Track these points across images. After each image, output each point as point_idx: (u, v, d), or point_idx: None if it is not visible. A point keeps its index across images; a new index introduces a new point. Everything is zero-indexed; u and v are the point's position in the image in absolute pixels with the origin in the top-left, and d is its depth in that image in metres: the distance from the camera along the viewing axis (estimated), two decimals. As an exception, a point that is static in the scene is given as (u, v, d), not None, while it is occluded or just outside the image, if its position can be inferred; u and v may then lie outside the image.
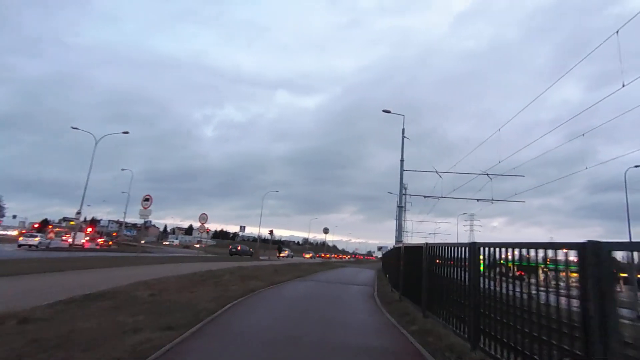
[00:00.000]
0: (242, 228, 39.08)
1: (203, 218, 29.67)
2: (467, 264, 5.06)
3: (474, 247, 4.96)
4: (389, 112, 26.73)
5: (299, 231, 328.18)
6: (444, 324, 5.71)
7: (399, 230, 25.35)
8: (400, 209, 25.31)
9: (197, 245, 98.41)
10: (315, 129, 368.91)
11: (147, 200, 23.44)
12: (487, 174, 24.96)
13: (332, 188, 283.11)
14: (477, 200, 25.30)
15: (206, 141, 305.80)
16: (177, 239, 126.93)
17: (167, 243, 73.57)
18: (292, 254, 61.99)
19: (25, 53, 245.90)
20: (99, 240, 62.98)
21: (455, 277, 5.58)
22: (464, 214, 59.49)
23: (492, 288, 4.48)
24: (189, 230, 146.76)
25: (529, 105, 23.73)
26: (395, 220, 59.67)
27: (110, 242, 64.38)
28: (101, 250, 37.63)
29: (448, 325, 5.52)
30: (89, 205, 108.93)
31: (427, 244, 7.20)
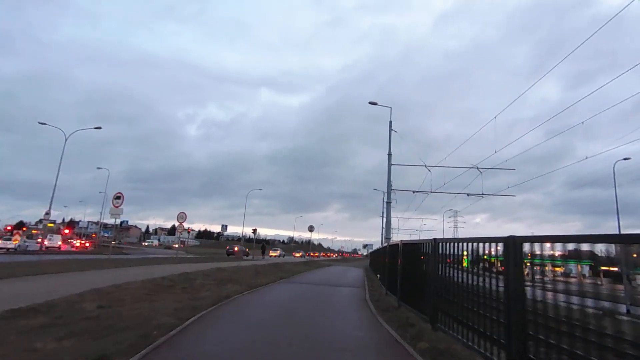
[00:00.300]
0: (224, 227, 37.33)
1: (181, 217, 27.97)
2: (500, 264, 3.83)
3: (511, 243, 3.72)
4: (375, 104, 25.60)
5: (284, 230, 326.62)
6: (464, 341, 4.45)
7: (387, 226, 24.24)
8: (388, 204, 24.19)
9: (175, 246, 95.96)
10: (299, 127, 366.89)
11: (118, 198, 21.67)
12: (477, 168, 24.08)
13: (316, 187, 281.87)
14: (468, 194, 24.40)
15: (190, 140, 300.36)
16: (158, 239, 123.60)
17: (146, 244, 70.63)
18: (283, 253, 59.04)
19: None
20: (74, 242, 60.30)
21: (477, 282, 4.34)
22: (450, 210, 59.03)
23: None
24: (172, 231, 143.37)
25: (513, 102, 22.87)
26: (381, 218, 58.78)
27: (88, 244, 61.58)
28: (76, 253, 35.41)
29: (471, 344, 4.27)
30: (65, 206, 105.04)
31: (435, 239, 5.92)
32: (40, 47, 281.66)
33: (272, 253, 59.71)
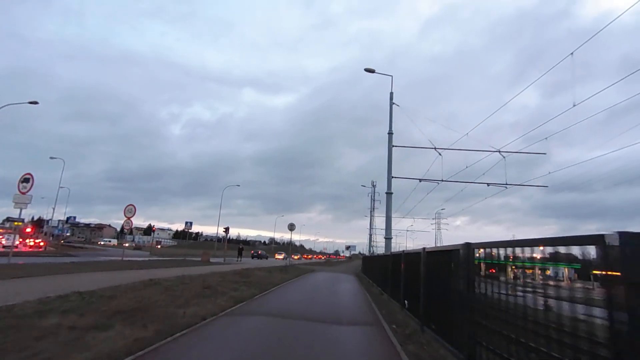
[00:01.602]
0: (189, 224, 31.28)
1: (129, 211, 21.91)
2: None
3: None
4: (372, 71, 20.18)
5: (266, 231, 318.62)
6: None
7: (388, 223, 18.78)
8: (389, 196, 18.79)
9: (126, 245, 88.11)
10: (284, 129, 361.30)
11: (26, 181, 15.48)
12: (500, 152, 18.94)
13: (300, 188, 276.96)
14: (488, 184, 19.18)
15: (173, 140, 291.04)
16: (133, 239, 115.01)
17: (102, 243, 62.67)
18: (287, 256, 53.47)
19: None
20: (27, 241, 52.89)
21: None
22: (442, 209, 54.41)
23: None
24: (148, 231, 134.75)
25: (500, 109, 18.19)
26: (369, 217, 53.63)
27: (42, 243, 53.97)
28: (19, 255, 28.92)
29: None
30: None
31: (468, 244, 4.05)
32: (22, 44, 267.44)
33: (277, 256, 61.51)
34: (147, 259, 29.34)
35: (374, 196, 53.31)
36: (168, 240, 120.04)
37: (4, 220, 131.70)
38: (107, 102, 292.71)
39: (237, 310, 7.46)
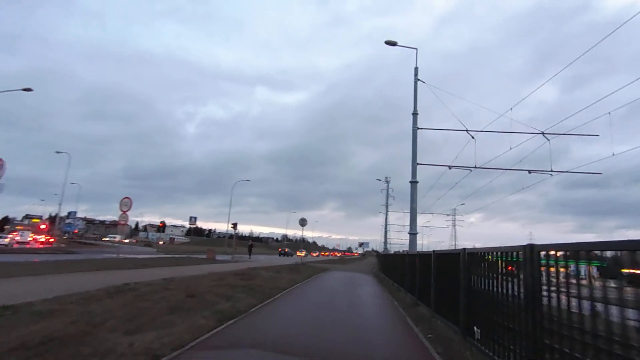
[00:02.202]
0: (193, 219, 28.86)
1: (125, 204, 19.79)
2: None
3: None
4: (394, 44, 17.52)
5: (279, 228, 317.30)
6: None
7: (413, 215, 16.14)
8: (414, 185, 16.15)
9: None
10: (297, 127, 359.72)
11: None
12: (544, 133, 16.08)
13: (313, 185, 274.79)
14: (529, 171, 16.31)
15: (188, 139, 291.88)
16: (147, 236, 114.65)
17: (106, 239, 60.77)
18: (307, 254, 56.62)
19: (2, 49, 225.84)
20: (38, 238, 52.02)
21: None
22: (462, 204, 51.27)
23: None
24: (162, 228, 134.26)
25: (515, 105, 15.38)
26: (385, 213, 50.94)
27: (52, 240, 52.90)
28: (29, 252, 27.56)
29: None
30: (42, 200, 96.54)
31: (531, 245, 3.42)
32: (45, 46, 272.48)
33: (299, 253, 62.20)
34: (149, 256, 27.29)
35: (388, 192, 50.73)
36: (181, 237, 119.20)
37: (23, 217, 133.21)
38: (124, 102, 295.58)
39: (215, 339, 4.96)
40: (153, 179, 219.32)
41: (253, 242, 49.94)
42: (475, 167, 16.55)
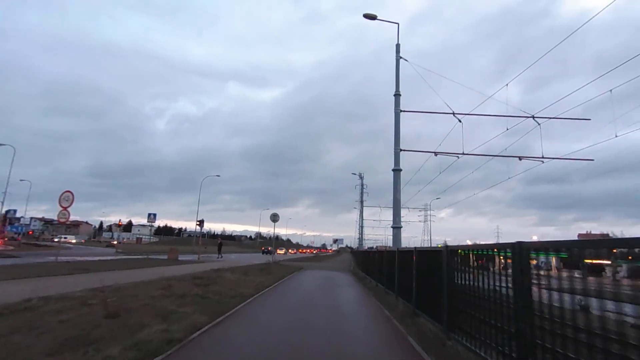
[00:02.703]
0: (152, 216, 26.10)
1: (66, 199, 16.94)
2: None
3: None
4: (374, 17, 15.64)
5: (253, 226, 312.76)
6: None
7: (396, 207, 14.35)
8: (397, 173, 14.36)
9: (125, 242, 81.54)
10: (272, 123, 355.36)
11: None
12: (534, 117, 14.67)
13: (288, 183, 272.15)
14: (520, 158, 14.86)
15: (159, 136, 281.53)
16: (112, 235, 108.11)
17: (57, 240, 55.48)
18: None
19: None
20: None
21: None
22: (435, 200, 50.67)
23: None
24: (128, 227, 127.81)
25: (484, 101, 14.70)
26: (359, 209, 49.39)
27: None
28: None
29: None
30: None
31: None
32: (1, 37, 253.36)
33: (279, 251, 63.43)
34: (102, 258, 24.20)
35: (363, 188, 49.96)
36: (149, 237, 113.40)
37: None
38: (89, 96, 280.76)
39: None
40: (121, 177, 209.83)
41: (223, 241, 47.12)
42: (463, 154, 14.96)
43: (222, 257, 33.30)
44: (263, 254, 60.14)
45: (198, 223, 28.99)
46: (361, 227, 42.32)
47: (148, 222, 24.10)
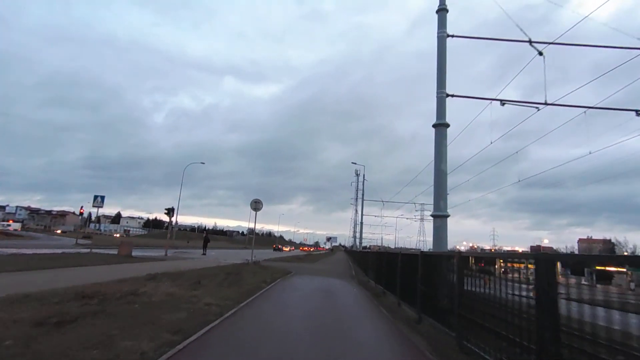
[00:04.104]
0: (99, 199, 20.33)
1: None
2: None
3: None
4: None
5: (247, 221, 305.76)
6: None
7: (441, 185, 8.67)
8: (441, 131, 8.77)
9: (117, 235, 74.67)
10: (269, 120, 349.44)
11: None
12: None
13: (283, 179, 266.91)
14: (637, 112, 9.29)
15: (156, 129, 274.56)
16: (98, 227, 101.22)
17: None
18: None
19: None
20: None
21: None
22: (422, 203, 44.90)
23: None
24: (116, 219, 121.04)
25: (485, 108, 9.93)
26: (352, 209, 43.72)
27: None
28: None
29: None
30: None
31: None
32: (5, 28, 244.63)
33: (284, 248, 69.04)
34: (50, 251, 18.31)
35: (363, 182, 45.52)
36: (137, 229, 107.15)
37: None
38: (89, 89, 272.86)
39: None
40: (117, 169, 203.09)
41: (213, 235, 41.35)
42: (546, 104, 9.30)
43: (206, 254, 27.74)
44: (274, 250, 62.27)
45: (166, 211, 23.16)
46: (361, 223, 36.80)
47: (94, 205, 18.22)
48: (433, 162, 8.84)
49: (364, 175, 35.74)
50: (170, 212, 23.05)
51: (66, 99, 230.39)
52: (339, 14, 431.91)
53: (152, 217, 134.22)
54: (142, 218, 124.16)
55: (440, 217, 8.47)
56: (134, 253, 20.93)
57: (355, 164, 37.73)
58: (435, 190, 8.63)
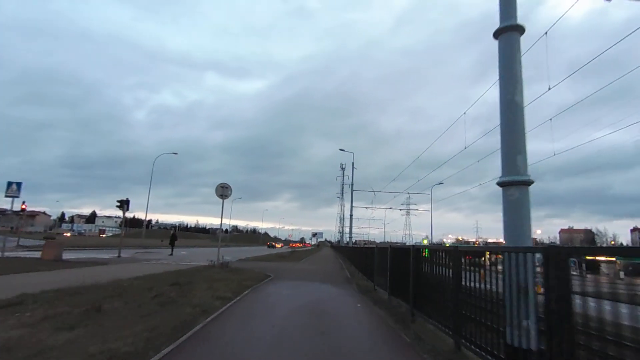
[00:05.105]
0: (13, 188, 16.06)
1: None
2: None
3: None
4: None
5: (232, 219, 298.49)
6: None
7: (516, 126, 4.85)
8: (511, 38, 5.13)
9: (67, 234, 67.82)
10: (255, 117, 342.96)
11: None
12: None
13: (269, 176, 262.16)
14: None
15: (139, 127, 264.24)
16: (72, 227, 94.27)
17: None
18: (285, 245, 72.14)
19: None
20: None
21: None
22: (438, 184, 42.55)
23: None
24: (92, 218, 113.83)
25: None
26: (339, 202, 40.06)
27: None
28: None
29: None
30: None
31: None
32: None
33: (277, 245, 67.55)
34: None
35: (344, 180, 43.45)
36: (114, 229, 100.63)
37: None
38: (68, 85, 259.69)
39: None
40: (97, 168, 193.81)
41: (191, 233, 36.94)
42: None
43: (173, 254, 23.51)
44: (268, 247, 62.92)
45: (119, 204, 18.73)
46: (350, 216, 33.01)
47: (7, 195, 13.74)
48: (499, 93, 5.05)
49: (352, 163, 32.11)
50: (123, 204, 18.63)
51: (43, 96, 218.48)
52: (324, 10, 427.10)
53: (131, 216, 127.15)
54: (119, 217, 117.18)
55: (517, 185, 4.69)
56: (71, 255, 16.60)
57: (343, 150, 33.78)
58: (507, 141, 4.85)
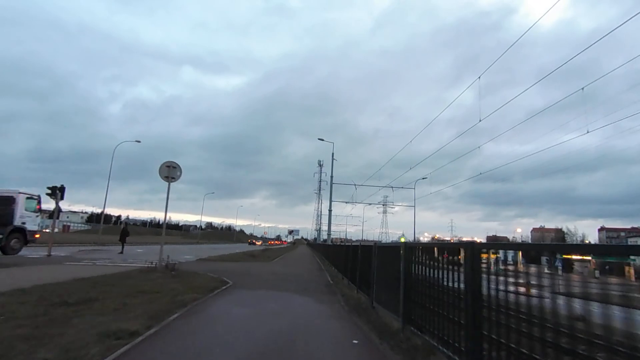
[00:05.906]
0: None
1: None
2: None
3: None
4: None
5: (208, 216, 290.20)
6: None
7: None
8: None
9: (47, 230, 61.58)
10: (233, 114, 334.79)
11: None
12: None
13: (246, 173, 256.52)
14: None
15: (112, 121, 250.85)
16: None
17: None
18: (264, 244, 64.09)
19: None
20: None
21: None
22: (420, 180, 40.67)
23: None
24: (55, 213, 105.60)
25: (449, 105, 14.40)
26: (316, 199, 37.15)
27: None
28: None
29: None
30: None
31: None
32: None
33: (256, 242, 67.43)
34: None
35: (321, 176, 40.70)
36: (80, 225, 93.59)
37: None
38: (37, 76, 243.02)
39: None
40: (67, 162, 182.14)
41: (167, 230, 32.73)
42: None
43: (123, 252, 20.15)
44: (249, 244, 63.07)
45: (49, 191, 15.09)
46: (329, 211, 30.04)
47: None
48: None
49: (332, 154, 29.23)
50: (55, 191, 14.97)
51: (10, 86, 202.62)
52: (304, 9, 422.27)
53: (99, 211, 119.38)
54: (85, 212, 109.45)
55: None
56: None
57: (322, 140, 30.67)
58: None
